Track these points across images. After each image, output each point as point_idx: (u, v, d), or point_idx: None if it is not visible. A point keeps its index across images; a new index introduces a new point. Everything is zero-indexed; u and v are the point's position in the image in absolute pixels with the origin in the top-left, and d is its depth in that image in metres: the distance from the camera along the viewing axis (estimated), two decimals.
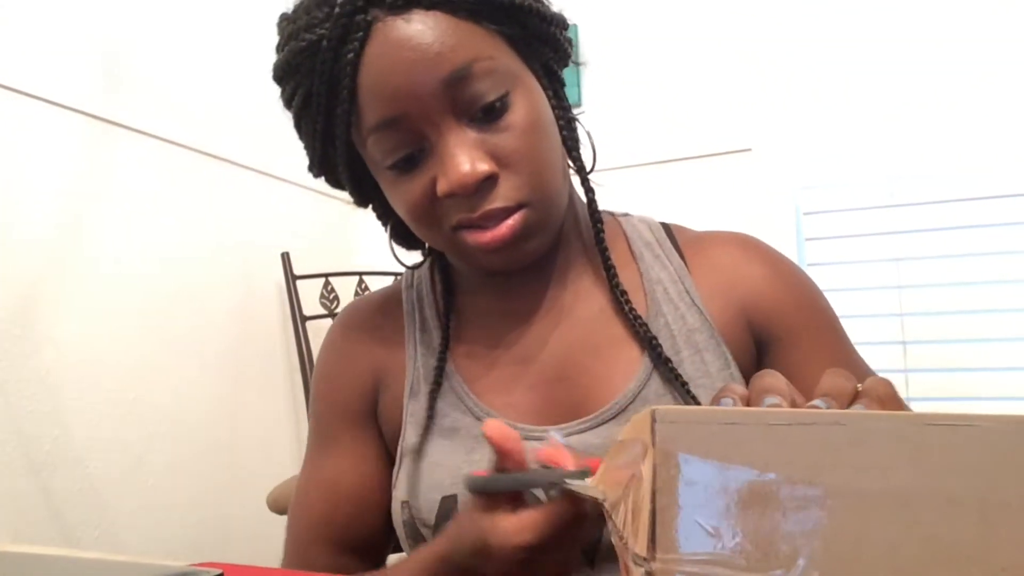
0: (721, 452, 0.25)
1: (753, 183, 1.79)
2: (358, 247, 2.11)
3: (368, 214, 0.68)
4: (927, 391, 1.66)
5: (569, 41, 0.61)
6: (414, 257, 0.71)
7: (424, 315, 0.68)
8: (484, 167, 0.53)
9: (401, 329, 0.69)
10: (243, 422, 1.67)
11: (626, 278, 0.63)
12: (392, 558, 0.73)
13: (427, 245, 0.69)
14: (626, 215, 0.71)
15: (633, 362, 0.61)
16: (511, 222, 0.55)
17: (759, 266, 0.64)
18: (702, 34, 1.86)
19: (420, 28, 0.51)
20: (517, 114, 0.54)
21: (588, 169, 0.63)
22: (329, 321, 1.69)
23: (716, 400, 0.36)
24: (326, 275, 1.85)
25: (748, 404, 0.35)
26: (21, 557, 0.55)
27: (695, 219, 0.75)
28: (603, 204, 0.65)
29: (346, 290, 1.88)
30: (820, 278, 0.68)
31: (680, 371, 0.59)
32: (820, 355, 0.61)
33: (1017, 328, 1.59)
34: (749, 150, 1.81)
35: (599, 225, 0.62)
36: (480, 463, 0.45)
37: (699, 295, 0.63)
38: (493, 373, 0.64)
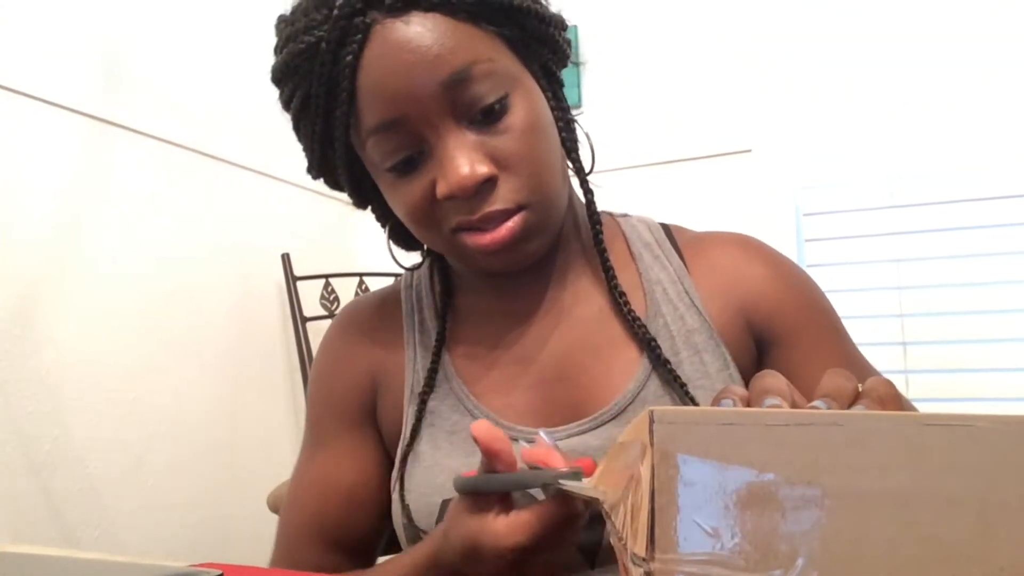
0: (720, 452, 0.25)
1: (753, 184, 1.79)
2: (358, 248, 2.11)
3: (368, 215, 0.68)
4: (927, 392, 1.66)
5: (568, 42, 0.61)
6: (413, 258, 0.71)
7: (423, 316, 0.68)
8: (483, 169, 0.53)
9: (400, 330, 0.68)
10: (243, 422, 1.67)
11: (625, 279, 0.63)
12: (382, 559, 0.74)
13: (426, 246, 0.69)
14: (625, 216, 0.71)
15: (632, 363, 0.61)
16: (511, 224, 0.54)
17: (759, 266, 0.64)
18: (702, 34, 1.86)
19: (419, 30, 0.51)
20: (516, 116, 0.54)
21: (587, 170, 0.63)
22: (329, 322, 1.69)
23: (716, 401, 0.36)
24: (326, 276, 1.85)
25: (748, 405, 0.35)
26: (21, 557, 0.55)
27: (695, 220, 0.75)
28: (603, 205, 0.65)
29: (346, 291, 1.88)
30: (820, 279, 0.68)
31: (679, 372, 0.59)
32: (821, 355, 0.60)
33: (1017, 329, 1.59)
34: (749, 151, 1.81)
35: (598, 226, 0.62)
36: (478, 465, 0.45)
37: (698, 296, 0.63)
38: (492, 374, 0.64)
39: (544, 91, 0.59)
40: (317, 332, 1.69)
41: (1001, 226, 1.62)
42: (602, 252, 0.62)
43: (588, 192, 0.63)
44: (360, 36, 0.51)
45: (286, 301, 1.77)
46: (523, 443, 0.59)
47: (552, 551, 0.44)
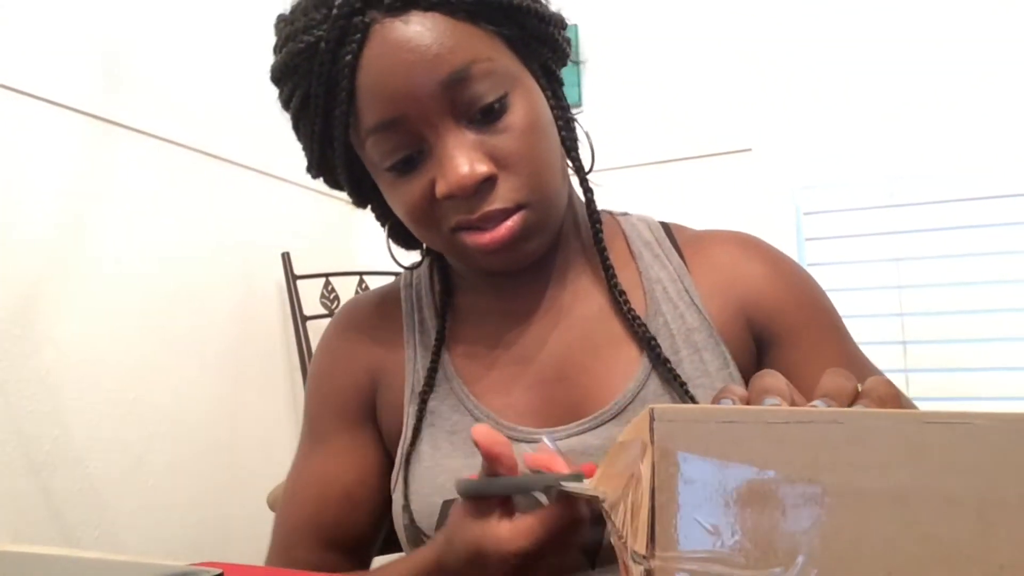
0: (720, 450, 0.25)
1: (753, 183, 1.79)
2: (358, 247, 2.11)
3: (368, 214, 0.68)
4: (927, 391, 1.66)
5: (568, 41, 0.61)
6: (412, 257, 0.71)
7: (423, 315, 0.68)
8: (483, 168, 0.53)
9: (400, 329, 0.68)
10: (243, 422, 1.67)
11: (625, 278, 0.63)
12: (379, 559, 0.73)
13: (425, 245, 0.69)
14: (625, 214, 0.71)
15: (632, 362, 0.61)
16: (510, 223, 0.54)
17: (759, 265, 0.64)
18: (702, 34, 1.86)
19: (418, 30, 0.51)
20: (516, 115, 0.54)
21: (587, 169, 0.63)
22: (329, 321, 1.69)
23: (715, 401, 0.36)
24: (326, 275, 1.85)
25: (748, 404, 0.35)
26: (21, 557, 0.55)
27: (695, 219, 0.75)
28: (603, 204, 0.65)
29: (346, 290, 1.88)
30: (820, 278, 0.68)
31: (679, 371, 0.59)
32: (821, 354, 0.60)
33: (1017, 328, 1.59)
34: (749, 150, 1.81)
35: (598, 225, 0.62)
36: (480, 466, 0.45)
37: (698, 294, 0.63)
38: (492, 373, 0.64)
39: (544, 90, 0.58)
40: (317, 331, 1.69)
41: (1001, 226, 1.62)
42: (602, 251, 0.62)
43: (588, 191, 0.63)
44: (359, 35, 0.51)
45: (286, 300, 1.77)
46: (524, 446, 0.59)
47: (556, 555, 0.44)
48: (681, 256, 0.65)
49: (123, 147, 1.41)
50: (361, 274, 1.90)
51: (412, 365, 0.66)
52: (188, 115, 1.57)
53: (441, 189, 0.53)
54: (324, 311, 1.82)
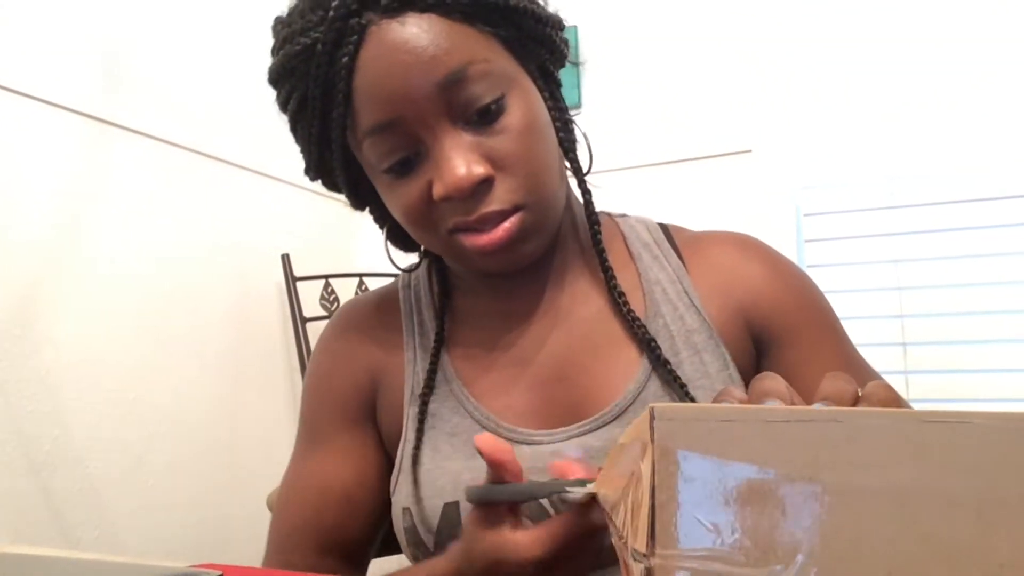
0: (720, 449, 0.25)
1: (753, 184, 1.80)
2: (358, 248, 2.11)
3: (368, 215, 0.68)
4: (927, 393, 1.66)
5: (565, 42, 0.61)
6: (410, 259, 0.71)
7: (423, 317, 0.68)
8: (480, 170, 0.52)
9: (399, 331, 0.68)
10: (243, 422, 1.67)
11: (624, 279, 0.63)
12: (377, 562, 0.73)
13: (423, 247, 0.69)
14: (623, 216, 0.71)
15: (632, 363, 0.60)
16: (507, 225, 0.54)
17: (758, 266, 0.64)
18: (702, 34, 1.87)
19: (415, 31, 0.51)
20: (513, 116, 0.54)
21: (585, 170, 0.63)
22: None
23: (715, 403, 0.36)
24: (326, 276, 1.85)
25: None
26: (21, 557, 0.55)
27: (695, 220, 0.75)
28: (603, 205, 0.65)
29: (346, 291, 1.88)
30: (820, 279, 0.68)
31: (679, 372, 0.59)
32: (820, 356, 0.60)
33: (1017, 329, 1.59)
34: (749, 151, 1.81)
35: (596, 226, 0.62)
36: (482, 468, 0.45)
37: (697, 295, 0.63)
38: (491, 375, 0.63)
39: (541, 91, 0.58)
40: (317, 332, 1.68)
41: (1001, 226, 1.62)
42: (600, 252, 0.62)
43: (586, 192, 0.63)
44: (356, 37, 0.51)
45: (286, 301, 1.77)
46: (524, 448, 0.59)
47: (573, 562, 0.44)
48: (680, 257, 0.65)
49: (121, 147, 1.41)
50: (361, 276, 1.90)
51: (412, 367, 0.65)
52: (187, 116, 1.57)
53: (438, 191, 0.53)
54: (324, 312, 1.82)
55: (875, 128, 1.70)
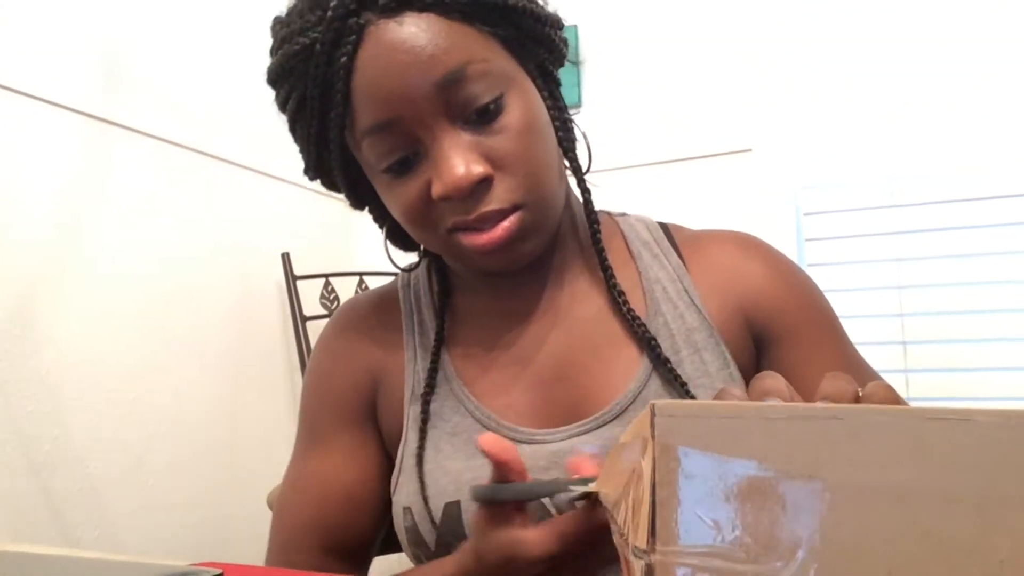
0: (720, 446, 0.25)
1: (753, 183, 1.80)
2: (358, 247, 2.11)
3: (368, 215, 0.68)
4: (927, 391, 1.66)
5: (564, 41, 0.61)
6: (410, 259, 0.71)
7: (422, 316, 0.68)
8: (479, 169, 0.52)
9: (399, 330, 0.68)
10: (243, 422, 1.67)
11: (624, 278, 0.63)
12: (378, 560, 0.73)
13: (423, 246, 0.69)
14: (623, 215, 0.71)
15: (632, 362, 0.60)
16: (507, 224, 0.54)
17: (758, 264, 0.64)
18: (702, 34, 1.87)
19: (413, 31, 0.51)
20: (512, 116, 0.54)
21: (585, 170, 0.63)
22: None
23: None
24: (326, 275, 1.85)
25: None
26: (21, 557, 0.55)
27: (695, 220, 0.75)
28: (602, 205, 0.65)
29: (346, 290, 1.88)
30: (820, 279, 0.68)
31: (679, 371, 0.59)
32: (820, 355, 0.60)
33: (1017, 328, 1.59)
34: (749, 150, 1.81)
35: (596, 226, 0.62)
36: (483, 467, 0.45)
37: (697, 294, 0.63)
38: (491, 374, 0.63)
39: (540, 91, 0.58)
40: (317, 332, 1.68)
41: (1001, 226, 1.62)
42: (600, 251, 0.62)
43: (585, 191, 0.63)
44: (354, 37, 0.51)
45: (286, 301, 1.77)
46: (525, 447, 0.59)
47: (583, 559, 0.44)
48: (680, 256, 0.65)
49: (122, 147, 1.41)
50: (361, 274, 1.90)
51: (412, 366, 0.65)
52: (188, 115, 1.57)
53: (437, 190, 0.53)
54: (324, 312, 1.82)
55: (875, 128, 1.70)
